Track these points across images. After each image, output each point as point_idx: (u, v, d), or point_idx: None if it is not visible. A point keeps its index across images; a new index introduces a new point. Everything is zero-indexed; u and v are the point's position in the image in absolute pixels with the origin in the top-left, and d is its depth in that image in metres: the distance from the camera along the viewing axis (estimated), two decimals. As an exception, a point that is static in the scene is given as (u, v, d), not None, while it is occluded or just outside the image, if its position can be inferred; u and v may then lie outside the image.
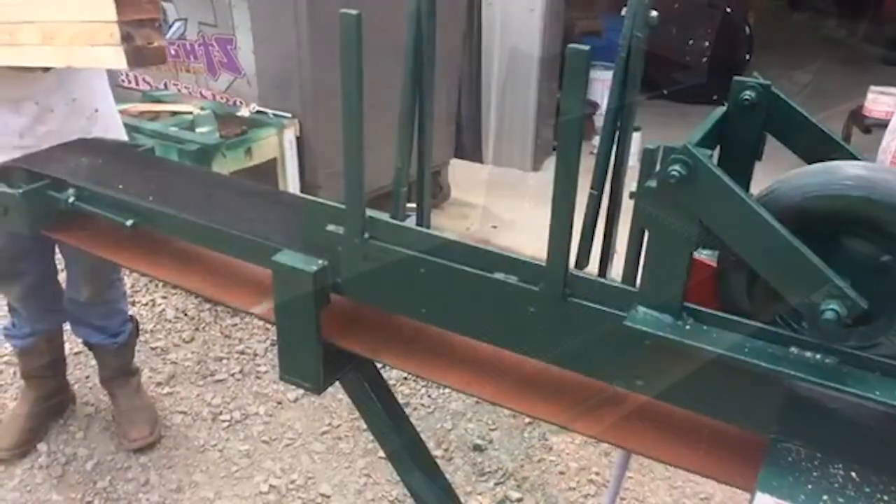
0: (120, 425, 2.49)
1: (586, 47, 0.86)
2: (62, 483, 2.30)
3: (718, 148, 1.07)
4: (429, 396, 2.70)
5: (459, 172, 4.47)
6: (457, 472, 2.37)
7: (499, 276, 1.02)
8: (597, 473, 2.37)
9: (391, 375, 2.77)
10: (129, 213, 1.38)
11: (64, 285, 2.39)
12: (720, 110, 1.07)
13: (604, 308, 0.95)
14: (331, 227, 1.14)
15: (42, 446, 2.43)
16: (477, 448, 2.47)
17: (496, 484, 2.33)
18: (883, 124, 4.52)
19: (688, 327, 0.90)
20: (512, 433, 2.54)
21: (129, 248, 1.50)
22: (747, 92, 1.05)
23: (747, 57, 6.57)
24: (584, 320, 0.97)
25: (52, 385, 2.50)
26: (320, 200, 1.17)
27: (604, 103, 5.38)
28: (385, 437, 1.35)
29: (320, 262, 1.15)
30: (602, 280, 0.97)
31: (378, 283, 1.14)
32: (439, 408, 2.66)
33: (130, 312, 2.57)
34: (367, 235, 1.11)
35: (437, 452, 2.43)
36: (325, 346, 1.21)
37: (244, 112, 3.43)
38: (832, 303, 0.79)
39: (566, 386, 1.08)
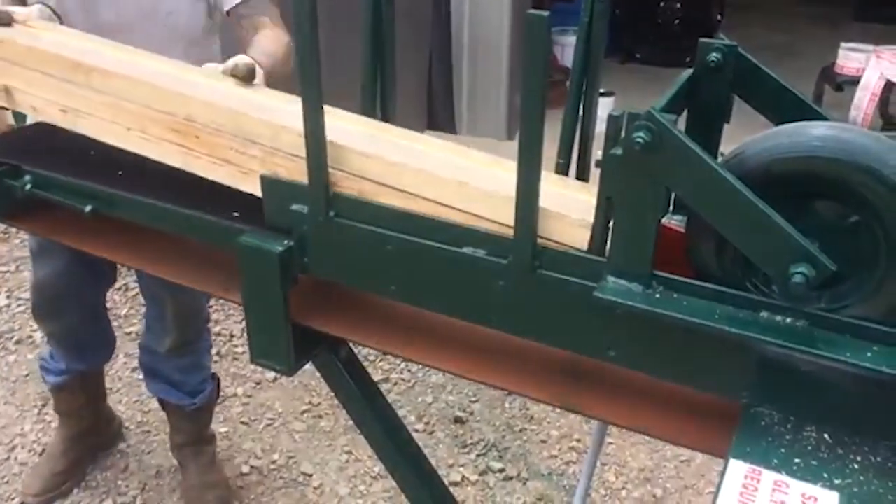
0: (188, 501, 2.18)
1: (544, 13, 0.84)
2: (40, 473, 2.27)
3: (686, 112, 1.05)
4: (408, 371, 2.70)
5: (433, 144, 4.43)
6: (438, 446, 2.37)
7: (467, 250, 1.00)
8: (578, 440, 2.38)
9: (370, 351, 2.76)
10: (88, 198, 1.34)
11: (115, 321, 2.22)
12: (687, 73, 1.05)
13: (573, 279, 0.94)
14: (295, 206, 1.12)
15: (20, 439, 2.40)
16: (458, 420, 2.47)
17: (478, 455, 2.33)
18: (855, 81, 4.54)
19: (657, 295, 0.89)
20: (493, 404, 2.55)
21: (94, 234, 1.46)
22: (713, 54, 1.02)
23: (720, 18, 6.54)
24: (554, 292, 0.95)
25: (86, 424, 2.24)
26: (284, 179, 1.14)
27: (577, 69, 5.36)
28: (361, 417, 1.33)
29: (286, 242, 1.12)
30: (571, 251, 0.95)
31: (345, 262, 1.12)
32: (419, 381, 2.66)
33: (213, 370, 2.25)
34: (331, 213, 1.08)
35: (418, 426, 2.43)
36: (296, 327, 1.19)
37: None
38: (800, 266, 0.78)
39: (540, 359, 1.07)
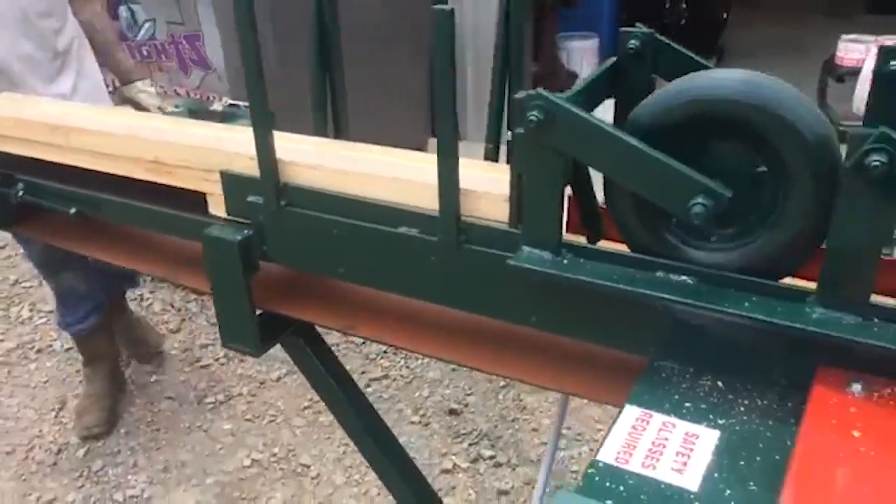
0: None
1: (450, 7, 0.92)
2: (55, 471, 2.40)
3: (614, 100, 1.12)
4: (407, 367, 2.78)
5: (438, 150, 4.51)
6: (433, 436, 2.45)
7: (402, 230, 1.09)
8: (568, 428, 2.44)
9: (371, 350, 2.86)
10: (73, 201, 1.45)
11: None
12: (610, 61, 1.12)
13: (494, 251, 1.02)
14: (251, 198, 1.21)
15: (37, 440, 2.53)
16: (453, 412, 2.55)
17: (470, 444, 2.40)
18: (856, 72, 4.53)
19: (566, 262, 0.96)
20: (487, 396, 2.62)
21: (85, 236, 1.58)
22: (632, 41, 1.10)
23: (725, 16, 6.55)
24: (478, 264, 1.04)
25: (113, 357, 2.70)
26: (240, 173, 1.23)
27: (582, 73, 5.41)
28: (329, 398, 1.42)
29: (245, 231, 1.22)
30: (490, 225, 1.03)
31: (298, 247, 1.21)
32: (417, 377, 2.73)
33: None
34: (283, 202, 1.18)
35: (414, 419, 2.51)
36: (264, 313, 1.28)
37: (217, 106, 3.48)
38: (698, 197, 0.85)
39: (483, 329, 1.15)
